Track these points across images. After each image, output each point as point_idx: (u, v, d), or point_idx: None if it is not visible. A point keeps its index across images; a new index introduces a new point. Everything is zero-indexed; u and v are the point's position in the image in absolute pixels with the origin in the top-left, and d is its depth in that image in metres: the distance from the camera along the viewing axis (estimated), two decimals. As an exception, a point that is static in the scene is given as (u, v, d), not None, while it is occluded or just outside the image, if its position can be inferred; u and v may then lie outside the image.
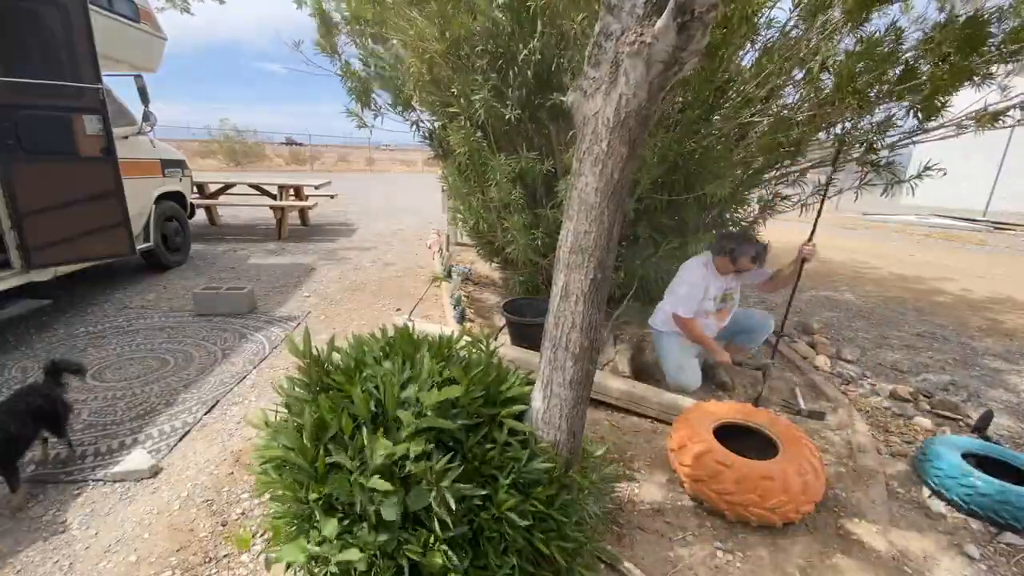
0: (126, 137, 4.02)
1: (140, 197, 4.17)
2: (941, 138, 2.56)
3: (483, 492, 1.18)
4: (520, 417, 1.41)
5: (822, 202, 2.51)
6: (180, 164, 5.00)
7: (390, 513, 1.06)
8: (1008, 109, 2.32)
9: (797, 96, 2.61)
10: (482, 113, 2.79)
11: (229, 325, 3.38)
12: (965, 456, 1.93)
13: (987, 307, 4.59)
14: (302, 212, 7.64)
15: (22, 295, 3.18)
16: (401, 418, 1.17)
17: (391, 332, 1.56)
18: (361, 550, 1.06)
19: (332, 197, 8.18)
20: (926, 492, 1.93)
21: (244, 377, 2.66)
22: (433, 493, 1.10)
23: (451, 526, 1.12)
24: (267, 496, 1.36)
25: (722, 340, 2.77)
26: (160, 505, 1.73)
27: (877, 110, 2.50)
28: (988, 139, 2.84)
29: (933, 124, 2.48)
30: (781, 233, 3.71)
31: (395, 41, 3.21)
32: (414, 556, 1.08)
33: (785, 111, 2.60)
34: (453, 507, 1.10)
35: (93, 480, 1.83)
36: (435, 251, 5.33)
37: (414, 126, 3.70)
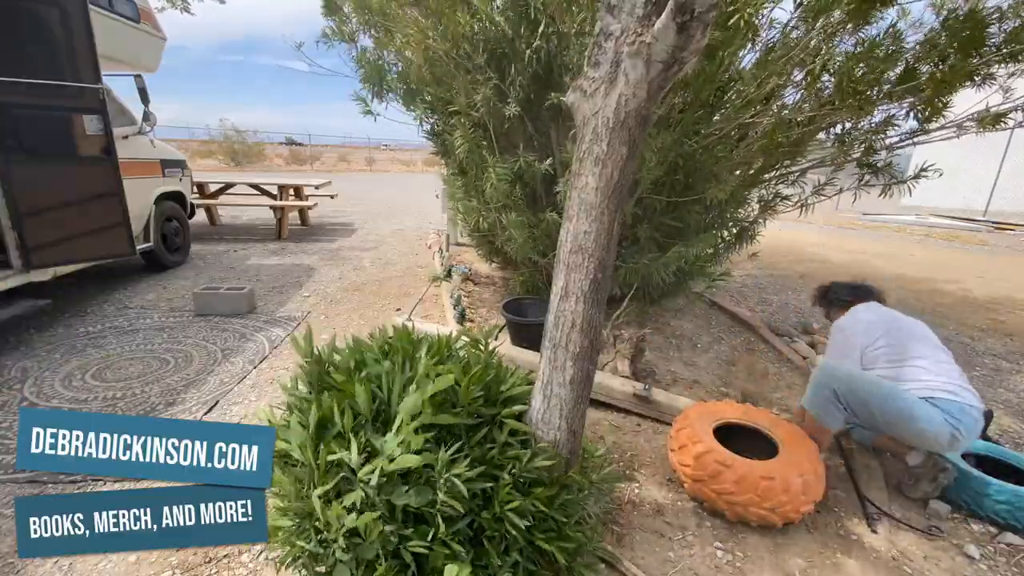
0: (126, 137, 4.02)
1: (140, 197, 4.17)
2: (943, 139, 2.56)
3: (488, 484, 1.20)
4: (520, 417, 1.41)
5: None
6: (180, 164, 5.00)
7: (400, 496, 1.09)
8: (1011, 111, 2.32)
9: (798, 97, 2.62)
10: (483, 112, 2.79)
11: (229, 325, 3.38)
12: (965, 456, 1.93)
13: (987, 307, 4.59)
14: (302, 212, 7.64)
15: (22, 295, 3.18)
16: (403, 416, 1.17)
17: (391, 332, 1.56)
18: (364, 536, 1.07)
19: (332, 197, 8.18)
20: (926, 492, 1.93)
21: (244, 377, 2.66)
22: (441, 481, 1.11)
23: (455, 519, 1.13)
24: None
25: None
26: (160, 505, 1.73)
27: (877, 111, 2.50)
28: (988, 139, 2.84)
29: (934, 125, 2.48)
30: (781, 233, 3.71)
31: (398, 38, 3.21)
32: (418, 550, 1.08)
33: (785, 112, 2.60)
34: (465, 493, 1.11)
35: (93, 480, 1.83)
36: (435, 251, 5.33)
37: (419, 120, 3.70)
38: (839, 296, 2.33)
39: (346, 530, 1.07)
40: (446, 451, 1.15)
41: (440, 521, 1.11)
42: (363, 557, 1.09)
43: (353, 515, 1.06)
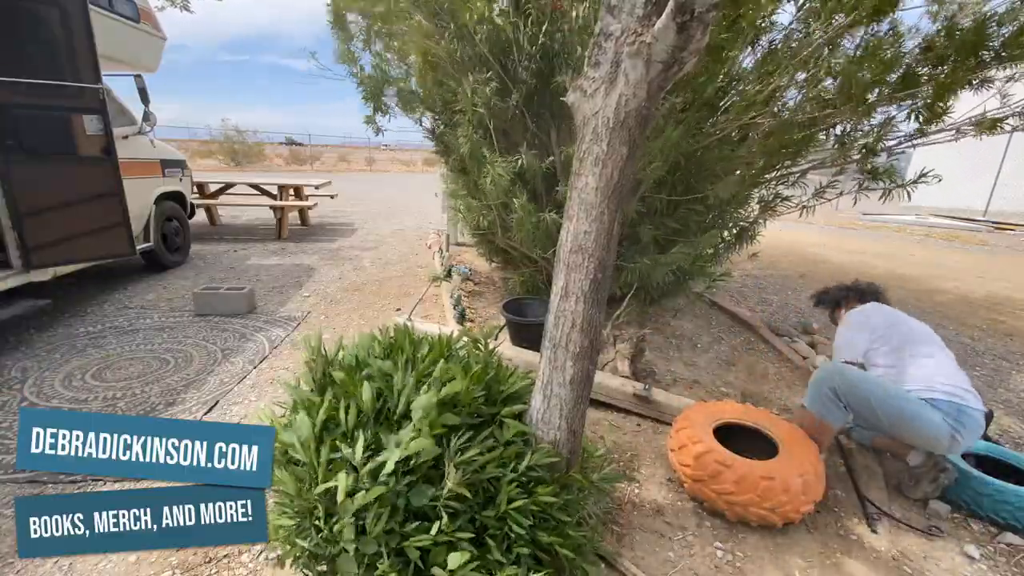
0: (126, 137, 4.02)
1: (140, 197, 4.17)
2: (941, 142, 2.56)
3: (494, 474, 1.21)
4: (520, 416, 1.41)
5: None
6: (180, 164, 5.00)
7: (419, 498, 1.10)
8: (1007, 117, 2.32)
9: (799, 98, 2.61)
10: (483, 111, 2.79)
11: (229, 325, 3.38)
12: (965, 456, 1.93)
13: (987, 307, 4.59)
14: (302, 212, 7.64)
15: (22, 295, 3.18)
16: (410, 415, 1.18)
17: (391, 332, 1.57)
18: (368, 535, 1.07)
19: (332, 197, 8.19)
20: (926, 492, 1.93)
21: (244, 377, 2.66)
22: (451, 468, 1.13)
23: (458, 515, 1.13)
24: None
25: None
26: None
27: (877, 113, 2.50)
28: (988, 140, 2.83)
29: (933, 129, 2.48)
30: (781, 234, 3.70)
31: (401, 36, 3.22)
32: (422, 546, 1.09)
33: (787, 113, 2.59)
34: (479, 471, 1.13)
35: (93, 480, 1.83)
36: (435, 251, 5.33)
37: (419, 123, 3.71)
38: (844, 297, 2.34)
39: (353, 516, 1.07)
40: (457, 439, 1.17)
41: (444, 515, 1.12)
42: (364, 551, 1.09)
43: (362, 493, 1.06)
